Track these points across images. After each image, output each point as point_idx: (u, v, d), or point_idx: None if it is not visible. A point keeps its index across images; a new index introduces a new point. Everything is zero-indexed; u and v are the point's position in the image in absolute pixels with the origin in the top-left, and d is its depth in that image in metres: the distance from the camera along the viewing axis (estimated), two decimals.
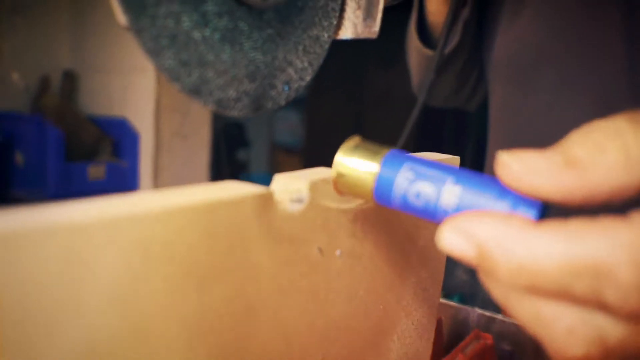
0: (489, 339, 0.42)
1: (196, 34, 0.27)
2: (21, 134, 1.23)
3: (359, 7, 0.34)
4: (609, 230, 0.19)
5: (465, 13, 0.70)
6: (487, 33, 0.73)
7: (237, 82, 0.29)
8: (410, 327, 0.42)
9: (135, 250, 0.22)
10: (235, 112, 0.29)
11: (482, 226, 0.21)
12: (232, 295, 0.26)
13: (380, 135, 2.52)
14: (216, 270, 0.25)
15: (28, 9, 1.34)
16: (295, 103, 1.76)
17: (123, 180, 1.30)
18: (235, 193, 0.26)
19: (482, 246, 0.21)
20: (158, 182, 1.32)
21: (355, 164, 0.25)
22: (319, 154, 1.80)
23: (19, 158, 1.22)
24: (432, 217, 0.23)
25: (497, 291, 0.21)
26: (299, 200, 0.29)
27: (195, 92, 0.27)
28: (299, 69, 0.33)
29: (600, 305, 0.19)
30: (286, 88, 0.32)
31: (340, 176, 0.26)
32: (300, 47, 0.33)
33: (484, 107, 0.84)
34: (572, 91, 0.62)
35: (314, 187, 0.30)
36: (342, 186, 0.26)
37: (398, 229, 0.37)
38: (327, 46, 0.34)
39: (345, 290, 0.34)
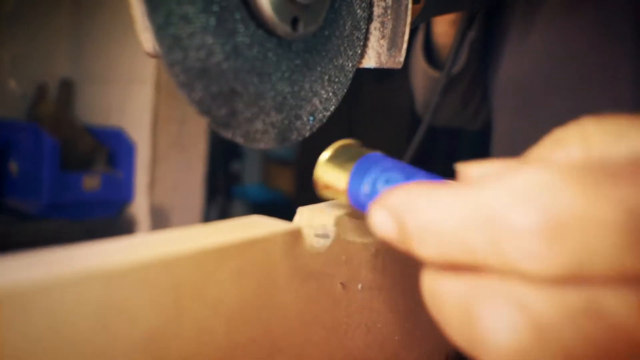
0: None
1: (226, 66, 0.26)
2: (16, 142, 1.22)
3: (383, 37, 0.34)
4: (500, 177, 0.18)
5: (472, 35, 0.70)
6: (492, 57, 0.73)
7: (265, 114, 0.29)
8: (423, 356, 0.41)
9: (168, 293, 0.21)
10: (261, 145, 0.29)
11: (395, 194, 0.20)
12: (259, 335, 0.25)
13: (375, 147, 2.52)
14: (244, 310, 0.24)
15: (28, 17, 1.33)
16: None
17: (118, 191, 1.29)
18: (264, 231, 0.25)
19: (396, 213, 0.20)
20: (154, 193, 1.31)
21: (333, 167, 0.27)
22: (313, 167, 1.80)
23: (14, 167, 1.21)
24: None
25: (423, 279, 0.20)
26: (325, 236, 0.29)
27: (224, 125, 0.26)
28: (324, 99, 0.32)
29: (509, 268, 0.17)
30: (311, 119, 0.31)
31: (319, 178, 0.27)
32: (326, 77, 0.32)
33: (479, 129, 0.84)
34: (582, 112, 0.62)
35: (339, 222, 0.29)
36: (322, 188, 0.28)
37: (415, 260, 0.37)
38: (351, 75, 0.34)
39: (364, 322, 0.34)
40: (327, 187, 0.27)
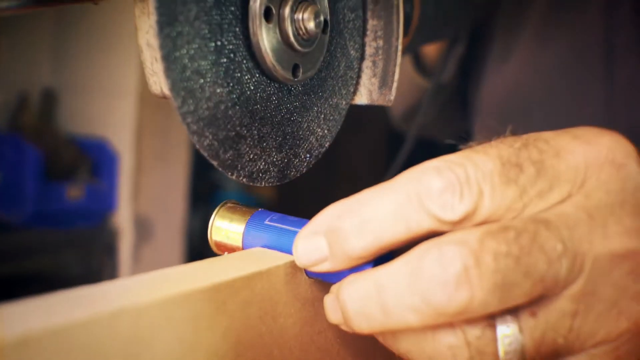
0: None
1: (233, 112, 0.28)
2: None
3: (374, 75, 0.36)
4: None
5: (460, 49, 0.73)
6: (474, 75, 0.76)
7: (266, 154, 0.31)
8: None
9: (187, 325, 0.23)
10: (263, 183, 0.31)
11: (324, 215, 0.26)
12: (262, 357, 0.27)
13: (353, 160, 2.55)
14: (250, 335, 0.26)
15: (10, 26, 1.33)
16: None
17: (102, 201, 1.29)
18: (268, 264, 0.27)
19: (331, 226, 0.25)
20: (137, 203, 1.31)
21: (227, 226, 0.31)
22: None
23: None
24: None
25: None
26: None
27: (230, 167, 0.29)
28: (320, 136, 0.35)
29: (439, 223, 0.23)
30: (308, 156, 0.34)
31: (216, 236, 0.31)
32: (322, 116, 0.34)
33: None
34: (557, 127, 0.66)
35: None
36: (219, 247, 0.31)
37: None
38: (344, 112, 0.36)
39: (353, 343, 0.36)
40: (223, 246, 0.31)
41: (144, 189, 1.32)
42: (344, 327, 0.26)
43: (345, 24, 0.35)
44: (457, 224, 0.23)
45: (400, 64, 0.36)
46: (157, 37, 0.25)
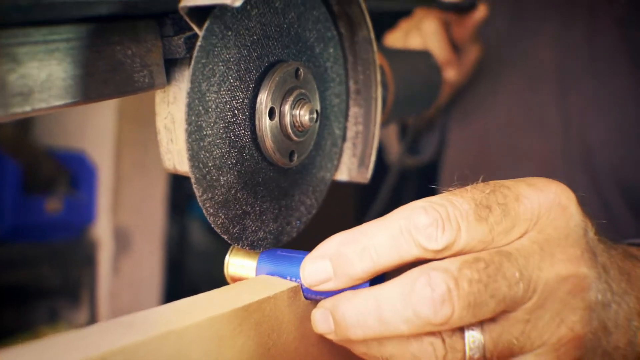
0: None
1: (240, 194, 0.34)
2: None
3: (354, 155, 0.43)
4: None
5: (440, 119, 0.81)
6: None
7: (265, 225, 0.37)
8: None
9: (213, 344, 0.29)
10: (261, 249, 0.37)
11: (329, 243, 0.32)
12: None
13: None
14: (260, 350, 0.32)
15: None
16: None
17: (81, 213, 1.33)
18: (274, 290, 0.33)
19: (336, 252, 0.31)
20: (116, 215, 1.35)
21: (242, 262, 0.37)
22: None
23: None
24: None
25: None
26: None
27: (237, 239, 0.35)
28: (308, 205, 0.41)
29: (425, 251, 0.29)
30: (298, 223, 0.40)
31: (233, 270, 0.37)
32: (310, 189, 0.41)
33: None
34: (519, 155, 0.75)
35: None
36: (233, 279, 0.38)
37: None
38: (329, 183, 0.42)
39: (337, 352, 0.41)
40: (238, 278, 0.37)
41: (123, 201, 1.36)
42: (329, 336, 0.32)
43: (331, 108, 0.41)
44: (439, 252, 0.30)
45: (377, 147, 0.42)
46: (185, 142, 0.30)
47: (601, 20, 0.68)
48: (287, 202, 0.39)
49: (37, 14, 0.27)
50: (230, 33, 0.32)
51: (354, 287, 0.32)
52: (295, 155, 0.37)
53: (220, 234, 0.34)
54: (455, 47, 0.70)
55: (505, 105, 0.77)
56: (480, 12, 0.67)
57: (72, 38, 0.30)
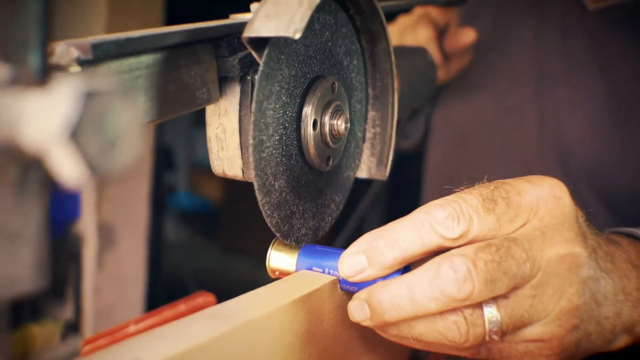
0: None
1: (289, 197, 0.39)
2: None
3: (372, 155, 0.48)
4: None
5: (427, 107, 0.86)
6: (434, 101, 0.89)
7: (307, 222, 0.42)
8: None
9: (276, 329, 0.34)
10: (303, 244, 0.42)
11: (362, 240, 0.37)
12: (315, 350, 0.38)
13: None
14: (308, 333, 0.37)
15: None
16: None
17: (65, 209, 1.33)
18: (318, 284, 0.38)
19: (370, 245, 0.36)
20: (101, 211, 1.36)
21: (283, 257, 0.41)
22: None
23: None
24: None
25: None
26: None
27: (286, 236, 0.39)
28: (337, 202, 0.46)
29: (444, 240, 0.34)
30: (330, 219, 0.45)
31: (273, 263, 0.42)
32: (338, 187, 0.46)
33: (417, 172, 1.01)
34: (498, 152, 0.81)
35: None
36: (274, 271, 0.42)
37: None
38: (352, 181, 0.47)
39: (366, 336, 0.46)
40: (279, 272, 0.42)
41: (108, 197, 1.37)
42: (365, 323, 0.37)
43: (355, 113, 0.46)
44: (456, 240, 0.35)
45: (394, 147, 0.47)
46: (251, 155, 0.35)
47: (573, 30, 0.74)
48: (322, 200, 0.44)
49: (129, 47, 0.31)
50: (282, 57, 0.36)
51: (384, 278, 0.37)
52: (331, 160, 0.42)
53: (274, 232, 0.38)
54: (445, 54, 0.75)
55: (487, 104, 0.83)
56: (470, 36, 0.72)
57: (150, 65, 0.34)
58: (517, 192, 0.37)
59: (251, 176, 0.37)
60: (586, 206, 0.40)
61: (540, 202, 0.37)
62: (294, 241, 0.41)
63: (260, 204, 0.36)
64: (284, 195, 0.39)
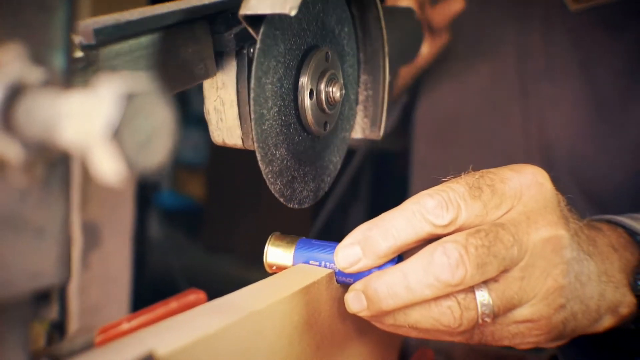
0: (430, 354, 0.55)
1: (290, 164, 0.41)
2: None
3: (366, 117, 0.50)
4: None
5: (404, 97, 0.86)
6: (414, 96, 0.89)
7: (307, 185, 0.44)
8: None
9: (277, 320, 0.36)
10: (304, 206, 0.44)
11: (356, 231, 0.38)
12: (313, 340, 0.41)
13: None
14: (307, 325, 0.39)
15: None
16: (199, 121, 1.76)
17: None
18: (315, 277, 0.40)
19: (364, 236, 0.37)
20: (85, 210, 1.35)
21: (279, 252, 0.42)
22: (224, 172, 1.75)
23: None
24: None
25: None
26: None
27: (289, 200, 0.42)
28: (335, 162, 0.48)
29: (435, 227, 0.36)
30: (329, 179, 0.47)
31: (271, 258, 0.42)
32: (335, 148, 0.48)
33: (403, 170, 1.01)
34: (482, 147, 0.82)
35: None
36: (271, 266, 0.43)
37: None
38: (348, 142, 0.50)
39: (361, 327, 0.49)
40: (276, 266, 0.43)
41: (93, 196, 1.36)
42: (361, 314, 0.38)
43: (347, 77, 0.48)
44: (446, 227, 0.37)
45: (386, 109, 0.49)
46: (253, 129, 0.37)
47: (556, 29, 0.75)
48: (321, 163, 0.46)
49: (129, 30, 0.32)
50: (278, 32, 0.38)
51: (379, 269, 0.38)
52: (328, 125, 0.44)
53: (278, 197, 0.41)
54: (429, 27, 0.75)
55: (471, 101, 0.83)
56: (458, 4, 0.72)
57: (149, 45, 0.35)
58: (501, 180, 0.38)
59: (250, 144, 0.39)
60: (568, 198, 0.41)
61: (524, 189, 0.38)
62: (297, 204, 0.43)
63: (263, 173, 0.39)
64: (285, 162, 0.41)
